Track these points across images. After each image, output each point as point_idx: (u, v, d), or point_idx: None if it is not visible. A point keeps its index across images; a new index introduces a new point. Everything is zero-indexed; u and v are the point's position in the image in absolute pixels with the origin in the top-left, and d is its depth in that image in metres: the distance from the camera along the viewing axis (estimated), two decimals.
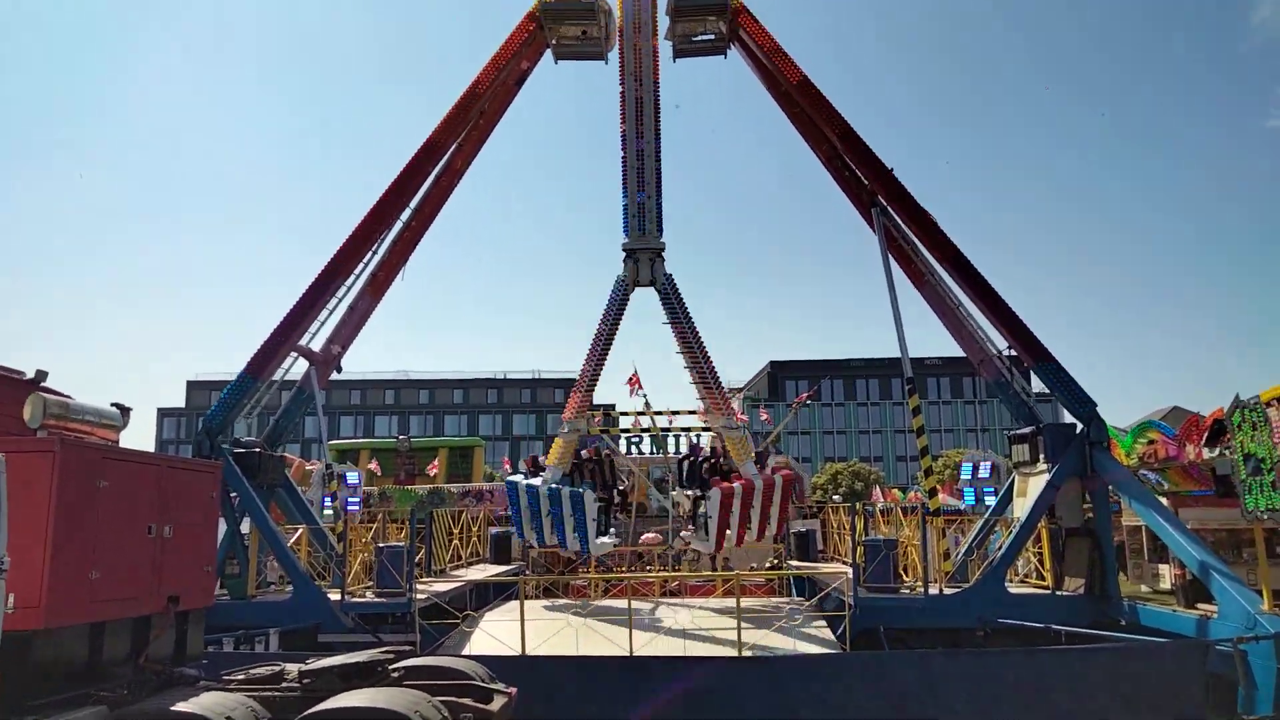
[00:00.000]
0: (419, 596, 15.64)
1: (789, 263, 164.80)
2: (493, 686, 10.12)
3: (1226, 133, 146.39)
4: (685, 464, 21.18)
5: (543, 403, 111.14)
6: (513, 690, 10.40)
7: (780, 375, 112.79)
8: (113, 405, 11.20)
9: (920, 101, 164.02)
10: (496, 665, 11.56)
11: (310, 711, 8.17)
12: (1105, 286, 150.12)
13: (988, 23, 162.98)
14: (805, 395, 49.06)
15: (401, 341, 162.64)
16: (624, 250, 21.43)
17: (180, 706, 8.22)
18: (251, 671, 9.80)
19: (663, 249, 21.54)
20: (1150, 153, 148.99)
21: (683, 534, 21.02)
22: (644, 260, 21.14)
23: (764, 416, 45.04)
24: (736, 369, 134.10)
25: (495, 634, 14.64)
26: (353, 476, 26.50)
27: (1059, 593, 17.09)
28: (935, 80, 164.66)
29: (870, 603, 15.64)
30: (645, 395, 28.65)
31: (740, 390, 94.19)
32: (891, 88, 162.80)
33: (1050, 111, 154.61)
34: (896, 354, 19.11)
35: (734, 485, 18.60)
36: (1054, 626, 15.10)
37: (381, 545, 16.79)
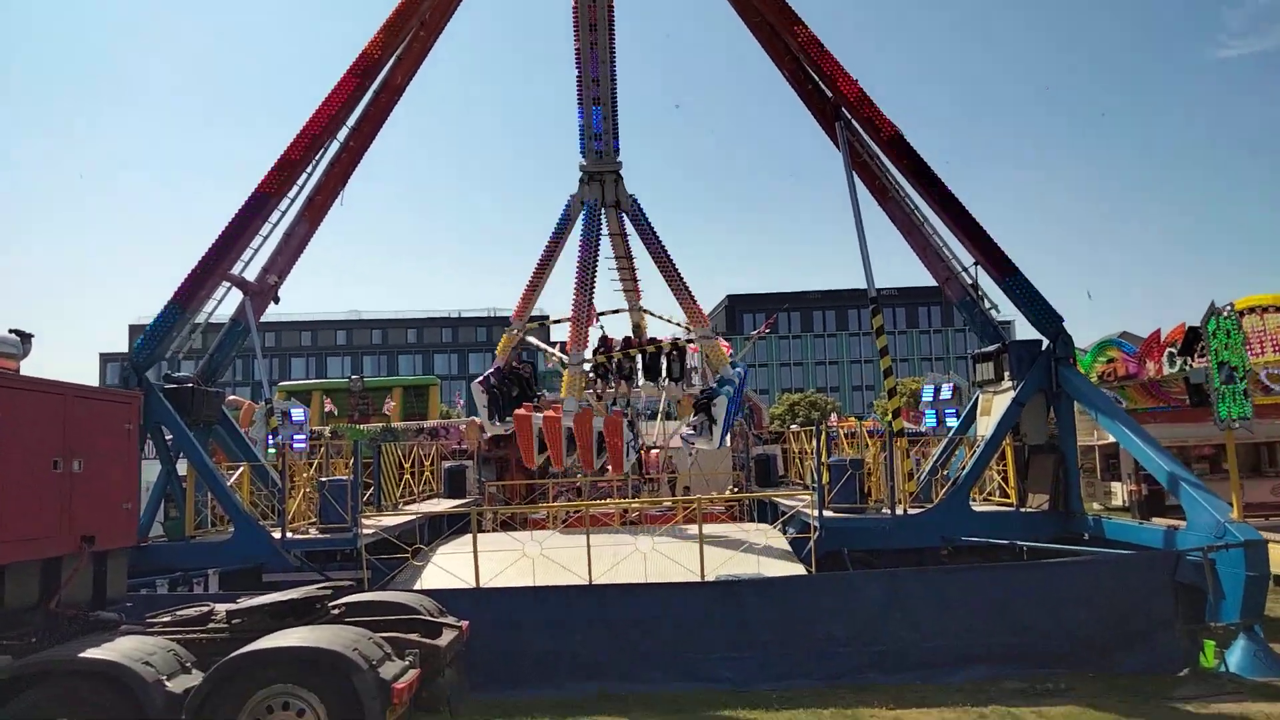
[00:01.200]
0: (366, 532, 14.92)
1: (745, 191, 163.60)
2: (441, 620, 9.50)
3: (1177, 64, 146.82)
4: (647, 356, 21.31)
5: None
6: (464, 624, 9.81)
7: (738, 308, 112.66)
8: (11, 331, 10.23)
9: (870, 23, 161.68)
10: (448, 599, 11.00)
11: (236, 653, 7.47)
12: (1048, 218, 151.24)
13: None
14: (764, 327, 48.79)
15: (353, 281, 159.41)
16: (581, 171, 20.69)
17: (90, 653, 7.46)
18: (179, 613, 9.06)
19: (619, 168, 20.77)
20: (1103, 84, 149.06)
21: (683, 432, 21.23)
22: (603, 181, 20.45)
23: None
24: None
25: (448, 567, 14.05)
26: (298, 413, 25.59)
27: (1023, 509, 16.91)
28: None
29: (836, 524, 15.27)
30: (602, 326, 28.06)
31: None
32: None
33: (1004, 51, 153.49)
34: (852, 285, 18.98)
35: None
36: (1018, 542, 14.94)
37: (324, 479, 15.97)
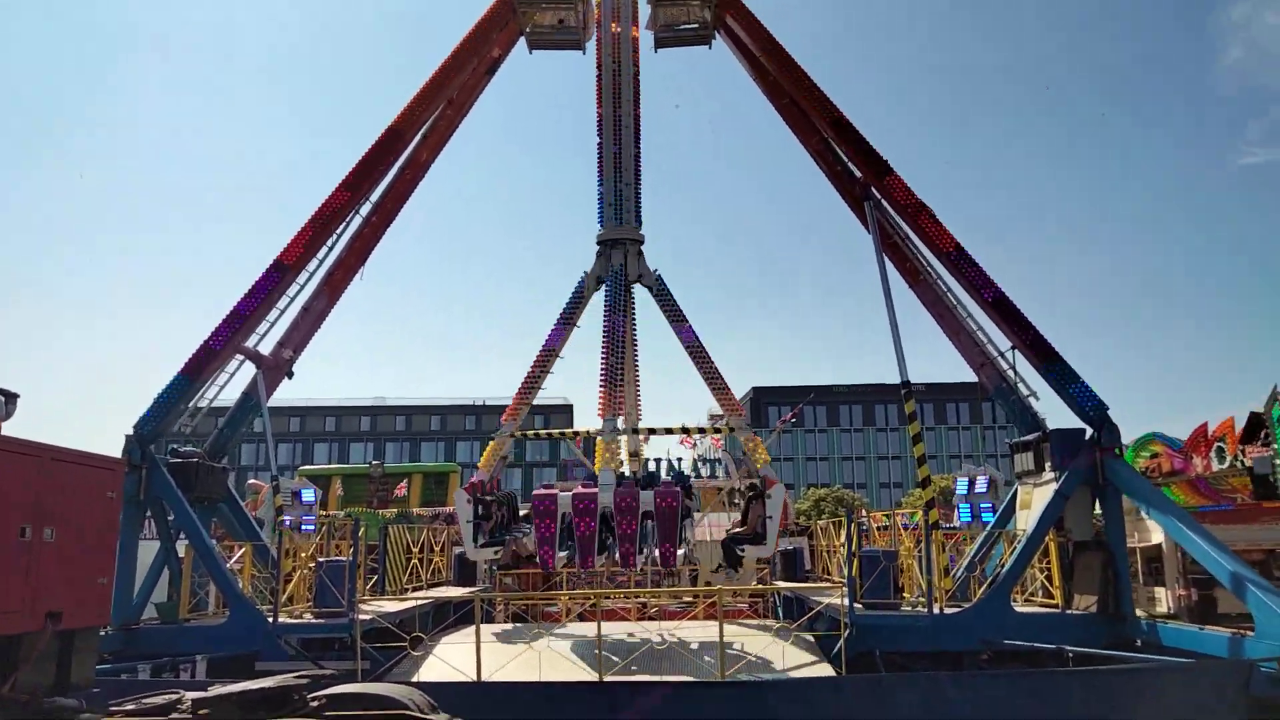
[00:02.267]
0: (364, 617, 14.02)
1: (771, 286, 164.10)
2: (431, 717, 8.57)
3: (1202, 169, 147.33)
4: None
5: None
6: None
7: (763, 401, 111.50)
8: None
9: (913, 103, 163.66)
10: (446, 693, 10.03)
11: None
12: (1072, 317, 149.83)
13: (980, 33, 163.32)
14: (789, 415, 47.93)
15: (377, 368, 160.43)
16: (598, 242, 19.82)
17: None
18: (143, 701, 8.21)
19: (642, 240, 19.96)
20: (1128, 182, 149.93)
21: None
22: (621, 251, 19.49)
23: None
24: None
25: (449, 659, 13.09)
26: (308, 494, 24.84)
27: (1069, 611, 15.72)
28: (927, 83, 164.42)
29: (867, 621, 14.19)
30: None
31: (723, 415, 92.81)
32: (881, 86, 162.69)
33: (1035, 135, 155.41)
34: (880, 380, 18.17)
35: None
36: (1066, 647, 13.76)
37: (322, 559, 15.16)
